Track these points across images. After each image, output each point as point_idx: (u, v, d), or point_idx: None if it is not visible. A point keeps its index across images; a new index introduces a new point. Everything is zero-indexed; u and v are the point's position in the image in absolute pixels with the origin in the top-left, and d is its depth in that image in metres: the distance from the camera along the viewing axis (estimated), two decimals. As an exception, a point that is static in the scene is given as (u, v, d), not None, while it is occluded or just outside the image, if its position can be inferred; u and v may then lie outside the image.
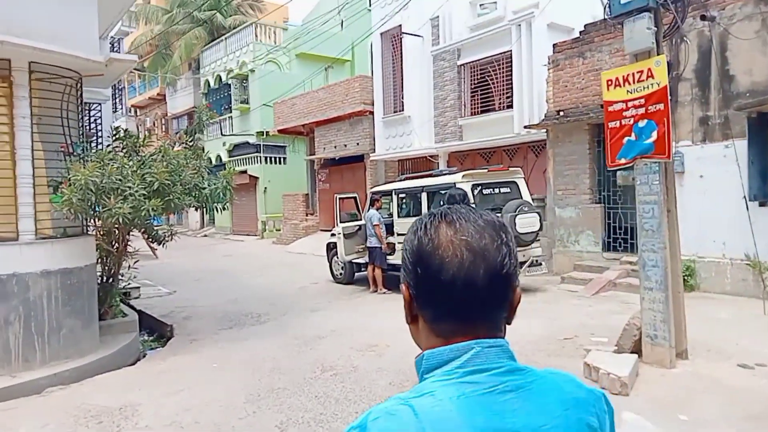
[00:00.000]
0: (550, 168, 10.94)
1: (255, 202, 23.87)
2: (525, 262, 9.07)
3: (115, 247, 7.10)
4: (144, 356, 6.90)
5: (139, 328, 7.34)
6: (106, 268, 7.26)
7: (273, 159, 23.91)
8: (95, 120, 9.62)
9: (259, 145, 23.44)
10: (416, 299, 0.84)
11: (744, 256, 8.04)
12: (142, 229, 7.31)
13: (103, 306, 6.78)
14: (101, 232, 7.05)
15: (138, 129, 30.16)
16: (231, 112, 24.98)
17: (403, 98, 15.34)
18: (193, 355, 6.47)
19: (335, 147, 18.47)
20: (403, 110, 15.31)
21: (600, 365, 4.92)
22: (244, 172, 23.09)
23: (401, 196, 10.12)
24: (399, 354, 5.75)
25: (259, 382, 5.36)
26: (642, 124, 5.18)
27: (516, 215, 8.68)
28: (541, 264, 9.37)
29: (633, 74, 5.23)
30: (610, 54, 9.59)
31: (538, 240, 9.42)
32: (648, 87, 5.12)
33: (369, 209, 10.02)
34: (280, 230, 21.75)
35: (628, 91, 5.28)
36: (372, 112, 16.71)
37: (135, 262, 7.74)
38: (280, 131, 21.40)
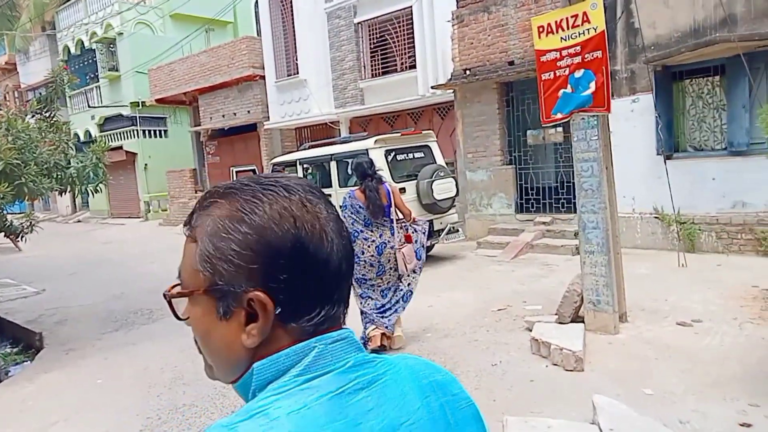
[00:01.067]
0: (459, 130, 10.54)
1: (135, 180, 21.55)
2: (443, 230, 8.66)
3: (-50, 247, 5.61)
4: (7, 375, 5.58)
5: (0, 340, 5.94)
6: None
7: (152, 132, 21.60)
8: None
9: (135, 117, 21.00)
10: (286, 304, 0.62)
11: (653, 209, 8.19)
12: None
13: (-61, 324, 5.34)
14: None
15: (-16, 103, 25.96)
16: (98, 81, 22.10)
17: (297, 60, 14.15)
18: (70, 369, 5.28)
19: (223, 116, 16.89)
20: (297, 73, 14.14)
21: (550, 340, 4.53)
22: (120, 147, 20.67)
23: (306, 166, 9.21)
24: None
25: (159, 399, 4.41)
26: (578, 74, 4.75)
27: (432, 181, 8.20)
28: (458, 230, 9.00)
29: (567, 19, 4.76)
30: (515, 8, 9.22)
31: (454, 206, 9.03)
32: (584, 33, 4.67)
33: (271, 183, 9.01)
34: (166, 210, 19.93)
35: (562, 38, 4.81)
36: (263, 77, 15.33)
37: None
38: (158, 101, 19.20)
